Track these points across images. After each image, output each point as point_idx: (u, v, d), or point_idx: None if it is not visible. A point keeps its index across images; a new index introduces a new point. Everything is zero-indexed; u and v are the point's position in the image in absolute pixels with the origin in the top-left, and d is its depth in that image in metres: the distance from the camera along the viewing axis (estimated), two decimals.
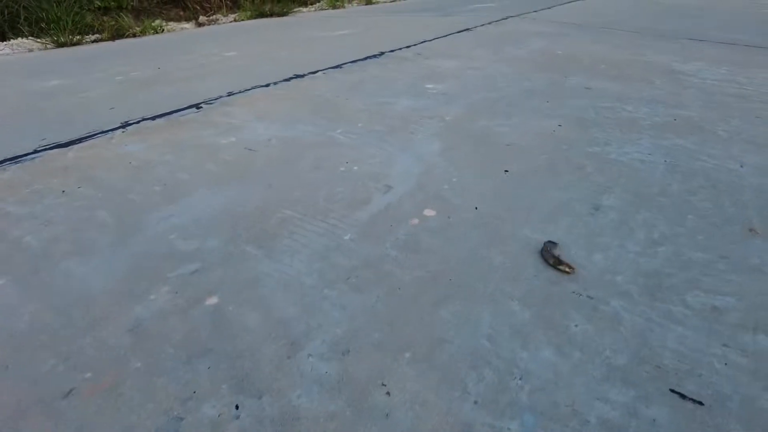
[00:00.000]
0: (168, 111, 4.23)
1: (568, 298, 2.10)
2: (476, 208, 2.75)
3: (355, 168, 3.18)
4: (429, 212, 2.69)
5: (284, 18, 11.37)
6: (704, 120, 4.41)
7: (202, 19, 11.89)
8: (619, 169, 3.34)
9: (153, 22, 11.38)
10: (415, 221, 2.60)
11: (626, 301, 2.10)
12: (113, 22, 8.95)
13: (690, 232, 2.62)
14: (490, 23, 9.14)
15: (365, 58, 6.33)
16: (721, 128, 4.22)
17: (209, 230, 2.54)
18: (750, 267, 2.34)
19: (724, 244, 2.53)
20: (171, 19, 11.95)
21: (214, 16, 12.42)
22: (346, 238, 2.44)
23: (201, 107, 4.32)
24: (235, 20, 11.27)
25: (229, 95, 4.64)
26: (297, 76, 5.38)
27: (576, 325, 1.97)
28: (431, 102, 4.60)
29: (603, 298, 2.10)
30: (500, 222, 2.63)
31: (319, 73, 5.55)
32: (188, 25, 10.77)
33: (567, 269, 2.19)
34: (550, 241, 2.44)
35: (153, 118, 4.07)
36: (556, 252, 2.33)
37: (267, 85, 4.98)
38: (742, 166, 3.45)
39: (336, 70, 5.71)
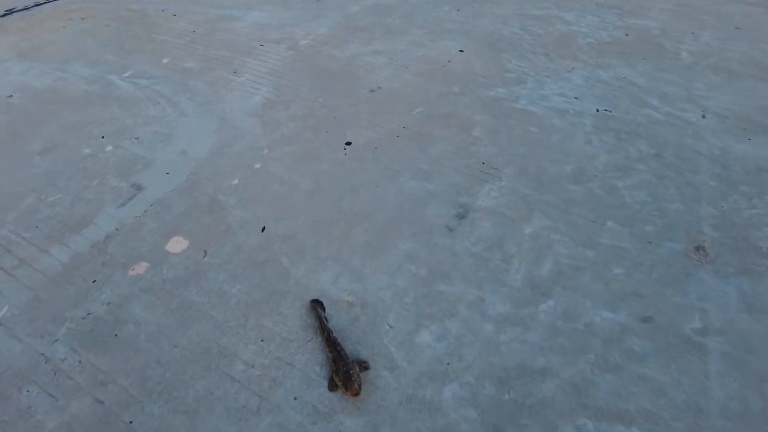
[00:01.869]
0: None
1: None
2: (263, 230, 1.65)
3: (109, 148, 2.00)
4: (177, 244, 1.59)
5: None
6: (666, 33, 3.20)
7: None
8: (523, 129, 2.21)
9: None
10: (141, 269, 1.51)
11: None
12: None
13: (602, 259, 1.60)
14: None
15: None
16: (686, 46, 3.04)
17: None
18: (683, 343, 1.36)
19: (651, 284, 1.52)
20: None
21: None
22: None
23: None
24: None
25: (6, 14, 3.21)
26: None
27: None
28: (295, 14, 3.26)
29: None
30: (292, 256, 1.56)
31: None
32: None
33: (348, 391, 1.19)
34: (316, 302, 1.43)
35: None
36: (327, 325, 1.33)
37: None
38: (703, 116, 2.35)
39: None
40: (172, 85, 2.43)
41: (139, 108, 2.27)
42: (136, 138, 2.06)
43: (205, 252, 1.57)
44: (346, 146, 2.05)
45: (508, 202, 1.81)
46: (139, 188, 1.82)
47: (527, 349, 1.34)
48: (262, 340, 1.33)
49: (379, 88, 2.45)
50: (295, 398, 1.21)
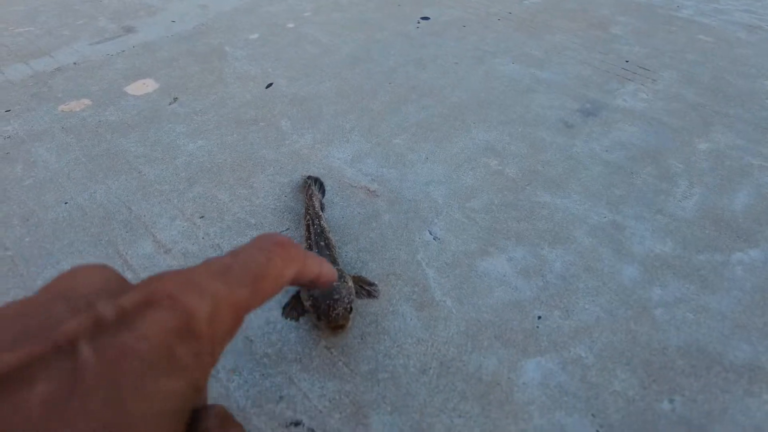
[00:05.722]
0: None
1: None
2: (269, 86, 1.08)
3: None
4: (141, 87, 1.08)
5: None
6: None
7: None
8: (689, 36, 1.48)
9: None
10: (77, 106, 1.02)
11: None
12: None
13: None
14: None
15: None
16: None
17: None
18: None
19: None
20: None
21: None
22: None
23: None
24: None
25: None
26: None
27: None
28: None
29: None
30: (299, 120, 0.97)
31: None
32: None
33: (322, 319, 0.55)
34: (312, 178, 0.78)
35: None
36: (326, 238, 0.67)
37: None
38: None
39: None
40: None
41: None
42: None
43: (175, 98, 1.01)
44: (421, 21, 1.41)
45: (667, 107, 1.08)
46: (129, 30, 1.31)
47: (709, 323, 0.62)
48: (201, 217, 0.73)
49: None
50: None
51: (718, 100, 1.14)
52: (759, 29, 1.56)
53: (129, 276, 0.66)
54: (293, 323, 0.61)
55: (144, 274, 0.67)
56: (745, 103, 1.14)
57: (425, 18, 1.45)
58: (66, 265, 0.68)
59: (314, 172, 0.85)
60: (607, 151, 0.95)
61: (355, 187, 0.82)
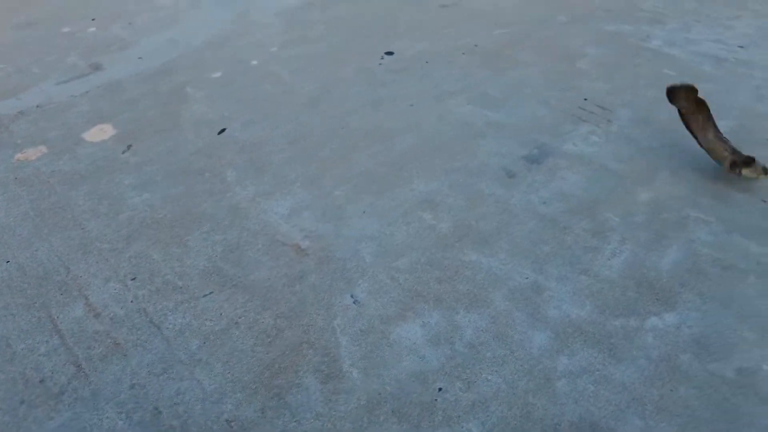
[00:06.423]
0: None
1: None
2: (221, 132, 1.11)
3: (92, 29, 1.59)
4: (99, 133, 1.14)
5: None
6: None
7: None
8: (654, 70, 1.50)
9: None
10: (33, 154, 1.09)
11: None
12: None
13: None
14: None
15: None
16: None
17: None
18: None
19: None
20: None
21: None
22: None
23: None
24: None
25: None
26: None
27: None
28: None
29: None
30: (244, 171, 1.00)
31: None
32: None
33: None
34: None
35: None
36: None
37: None
38: None
39: None
40: None
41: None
42: (129, 23, 1.61)
43: (129, 146, 1.05)
44: (385, 56, 1.44)
45: (617, 152, 1.10)
46: (96, 68, 1.35)
47: (608, 396, 0.64)
48: (132, 279, 0.76)
49: (456, 4, 1.80)
50: (132, 387, 0.62)
51: (670, 143, 1.15)
52: (725, 62, 1.56)
53: (56, 342, 0.70)
54: (200, 394, 0.64)
55: (71, 340, 0.70)
56: (697, 146, 1.14)
57: (389, 53, 1.47)
58: (1, 331, 0.71)
59: (249, 229, 0.87)
60: (544, 203, 0.96)
61: (287, 245, 0.85)
